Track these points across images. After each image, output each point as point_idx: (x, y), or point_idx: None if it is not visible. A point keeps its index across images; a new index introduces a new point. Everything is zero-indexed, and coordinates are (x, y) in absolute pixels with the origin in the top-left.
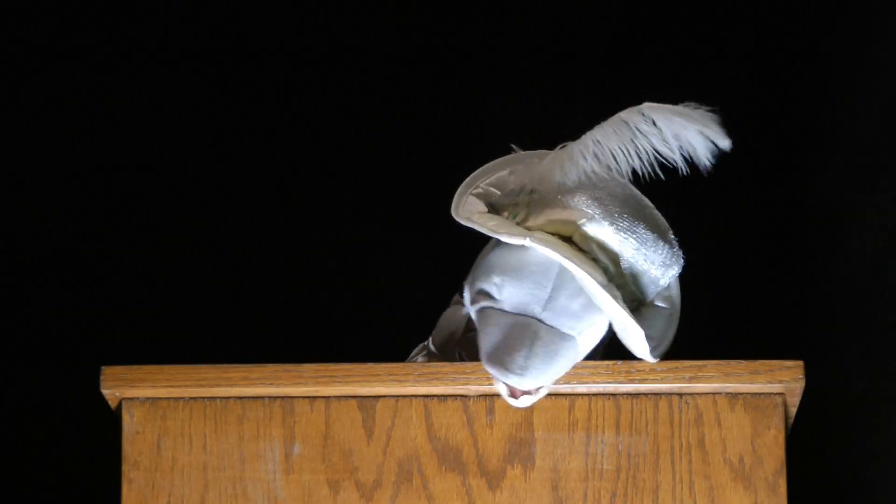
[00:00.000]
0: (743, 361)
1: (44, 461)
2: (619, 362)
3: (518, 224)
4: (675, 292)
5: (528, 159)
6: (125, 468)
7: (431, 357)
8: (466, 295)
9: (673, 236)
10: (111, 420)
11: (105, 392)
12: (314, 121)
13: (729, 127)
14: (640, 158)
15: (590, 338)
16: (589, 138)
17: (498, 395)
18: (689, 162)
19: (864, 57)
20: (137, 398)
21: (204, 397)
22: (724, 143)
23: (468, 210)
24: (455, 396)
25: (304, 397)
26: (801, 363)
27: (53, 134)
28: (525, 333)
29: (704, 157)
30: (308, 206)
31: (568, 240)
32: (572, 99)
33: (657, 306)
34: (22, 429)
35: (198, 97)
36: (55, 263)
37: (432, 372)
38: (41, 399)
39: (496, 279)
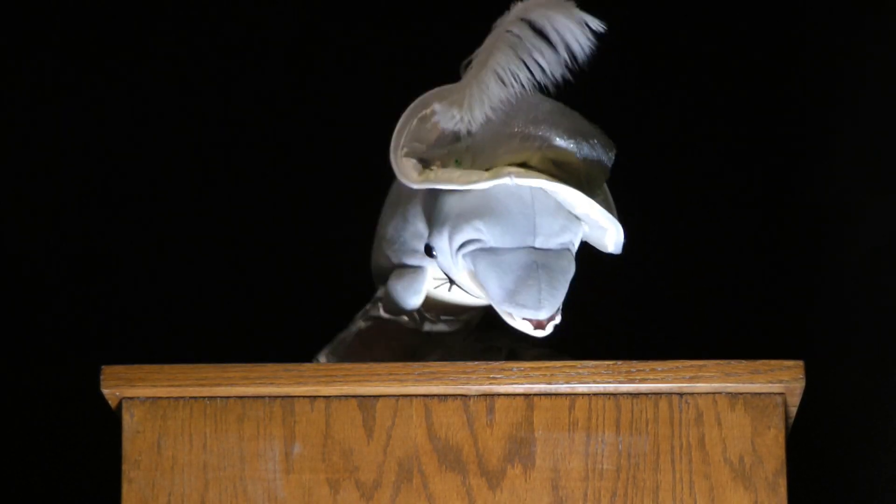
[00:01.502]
0: (743, 361)
1: (44, 461)
2: (620, 362)
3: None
4: (609, 195)
5: (433, 102)
6: (125, 468)
7: (376, 322)
8: (444, 247)
9: (601, 132)
10: (111, 420)
11: (105, 392)
12: (317, 121)
13: (730, 124)
14: (541, 70)
15: (575, 248)
16: (491, 65)
17: (498, 395)
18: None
19: (864, 57)
20: (137, 398)
21: (204, 397)
22: (596, 24)
23: (411, 174)
24: (455, 396)
25: (304, 397)
26: (801, 363)
27: (53, 133)
28: (529, 265)
29: (585, 44)
30: (308, 206)
31: (524, 165)
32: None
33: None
34: (21, 428)
35: (198, 100)
36: (55, 263)
37: (432, 372)
38: (41, 399)
39: (479, 225)
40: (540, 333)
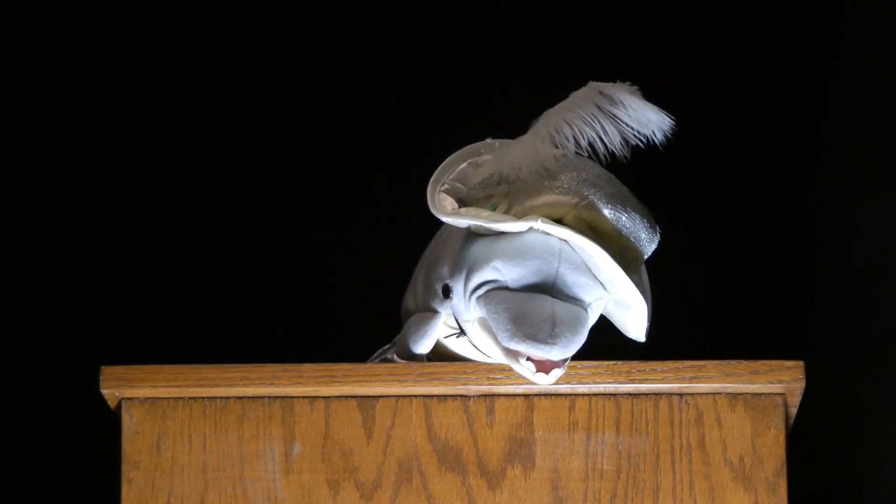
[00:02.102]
0: (743, 361)
1: (43, 461)
2: (620, 362)
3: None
4: (646, 279)
5: (487, 150)
6: (125, 468)
7: None
8: (460, 288)
9: (649, 212)
10: (111, 420)
11: (105, 392)
12: (317, 121)
13: (730, 124)
14: (608, 135)
15: (595, 313)
16: (554, 121)
17: (498, 396)
18: (647, 139)
19: (863, 56)
20: (137, 398)
21: (204, 397)
22: (667, 123)
23: (444, 207)
24: (455, 396)
25: (303, 397)
26: (801, 363)
27: (53, 133)
28: (544, 305)
29: (660, 131)
30: (308, 206)
31: (559, 222)
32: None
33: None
34: (21, 429)
35: (198, 100)
36: (55, 263)
37: (432, 372)
38: (41, 399)
39: (498, 265)
40: (542, 379)
